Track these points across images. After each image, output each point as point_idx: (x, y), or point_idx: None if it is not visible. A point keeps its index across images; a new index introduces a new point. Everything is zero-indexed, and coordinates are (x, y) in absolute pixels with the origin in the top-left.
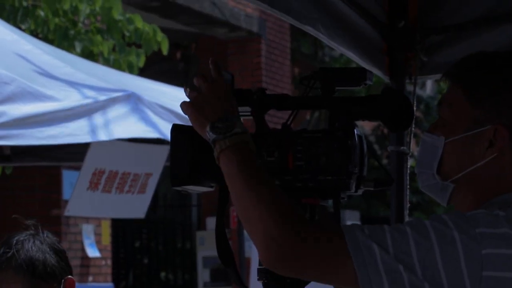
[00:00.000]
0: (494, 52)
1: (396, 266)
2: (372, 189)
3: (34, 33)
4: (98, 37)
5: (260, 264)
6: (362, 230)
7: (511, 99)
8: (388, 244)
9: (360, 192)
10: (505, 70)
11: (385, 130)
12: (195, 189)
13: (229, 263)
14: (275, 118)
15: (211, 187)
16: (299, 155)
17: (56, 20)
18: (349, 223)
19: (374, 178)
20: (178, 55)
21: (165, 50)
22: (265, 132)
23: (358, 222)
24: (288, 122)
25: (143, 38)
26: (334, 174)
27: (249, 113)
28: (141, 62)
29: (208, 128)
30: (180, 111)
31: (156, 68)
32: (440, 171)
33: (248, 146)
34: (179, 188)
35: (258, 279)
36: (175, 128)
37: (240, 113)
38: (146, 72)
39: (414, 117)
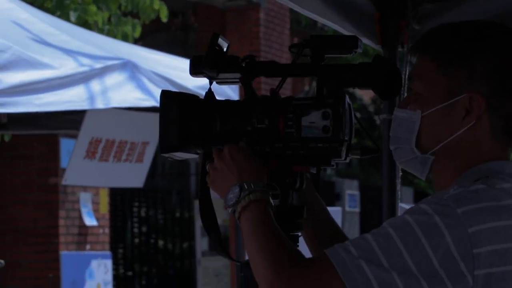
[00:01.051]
0: (460, 22)
1: (389, 277)
2: (358, 157)
3: (30, 2)
4: (93, 7)
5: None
6: (347, 250)
7: (483, 67)
8: (376, 253)
9: (348, 159)
10: (474, 37)
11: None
12: (182, 155)
13: (211, 230)
14: (267, 86)
15: (197, 153)
16: (289, 123)
17: None
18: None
19: (361, 146)
20: (176, 24)
21: (164, 17)
22: (255, 99)
23: (357, 191)
24: (277, 89)
25: (140, 7)
26: (325, 142)
27: (237, 80)
28: (137, 33)
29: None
30: (176, 79)
31: (153, 38)
32: (419, 144)
33: (263, 204)
34: (166, 155)
35: (240, 272)
36: (164, 94)
37: (229, 80)
38: (144, 41)
39: (407, 85)
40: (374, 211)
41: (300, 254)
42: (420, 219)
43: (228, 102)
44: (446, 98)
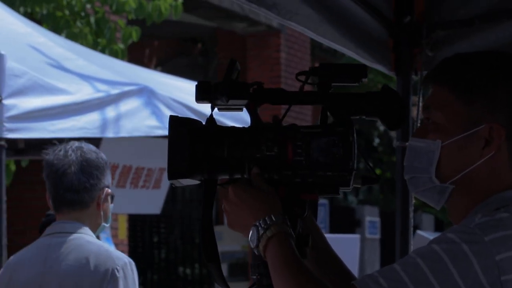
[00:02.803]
0: (474, 52)
1: None
2: (359, 185)
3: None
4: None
5: (252, 261)
6: (377, 281)
7: (502, 96)
8: (406, 283)
9: (350, 188)
10: (489, 67)
11: None
12: (187, 182)
13: (212, 258)
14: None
15: (201, 180)
16: (299, 150)
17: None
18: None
19: (362, 175)
20: (198, 50)
21: (136, 38)
22: (263, 126)
23: (378, 218)
24: (281, 117)
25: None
26: (335, 170)
27: (242, 106)
28: (136, 37)
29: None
30: (193, 105)
31: (174, 63)
32: (438, 174)
33: (282, 237)
34: (173, 181)
35: (251, 275)
36: (173, 120)
37: (234, 106)
38: (164, 67)
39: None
40: (394, 237)
41: (328, 286)
42: (448, 247)
43: (235, 129)
44: (466, 128)
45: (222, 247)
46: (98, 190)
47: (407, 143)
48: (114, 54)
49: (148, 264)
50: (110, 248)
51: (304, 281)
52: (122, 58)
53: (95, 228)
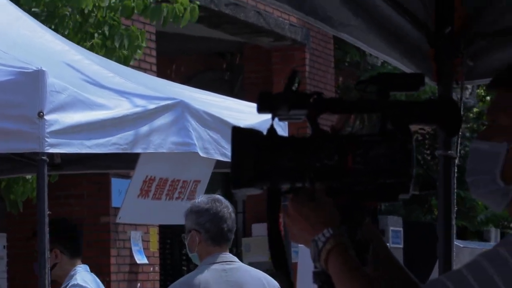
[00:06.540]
0: None
1: None
2: (418, 192)
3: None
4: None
5: (315, 267)
6: (445, 285)
7: None
8: (473, 285)
9: (409, 195)
10: None
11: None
12: (250, 191)
13: (280, 266)
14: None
15: (262, 189)
16: (358, 159)
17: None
18: (392, 228)
19: (420, 181)
20: (224, 64)
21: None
22: (324, 135)
23: (401, 228)
24: (339, 126)
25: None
26: (395, 177)
27: (301, 116)
28: (142, 41)
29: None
30: (227, 118)
31: (201, 78)
32: (503, 176)
33: (341, 248)
34: (237, 191)
35: (314, 282)
36: (237, 131)
37: (294, 116)
38: (191, 81)
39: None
40: (417, 247)
41: None
42: (490, 256)
43: (294, 138)
44: None
45: (249, 258)
46: None
47: (449, 152)
48: (122, 59)
49: (177, 277)
50: None
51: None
52: (127, 64)
53: None
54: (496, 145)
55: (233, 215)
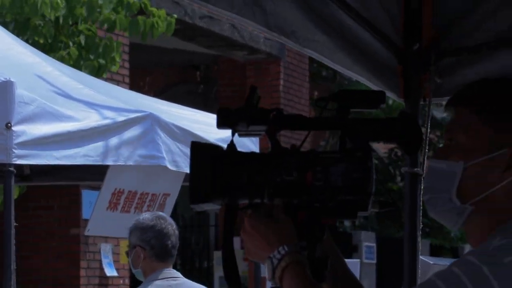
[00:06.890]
0: (500, 78)
1: None
2: (377, 210)
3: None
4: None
5: (272, 285)
6: None
7: None
8: None
9: (369, 212)
10: None
11: (399, 153)
12: (207, 206)
13: (234, 283)
14: (285, 138)
15: (221, 205)
16: (318, 175)
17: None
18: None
19: (379, 200)
20: (198, 77)
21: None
22: (283, 151)
23: (374, 243)
24: (299, 144)
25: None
26: (354, 194)
27: (261, 132)
28: (118, 51)
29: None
30: (196, 131)
31: (174, 90)
32: (459, 195)
33: (296, 265)
34: (195, 206)
35: None
36: (195, 146)
37: (253, 132)
38: (165, 94)
39: (429, 139)
40: (390, 262)
41: None
42: (468, 270)
43: (254, 154)
44: (489, 150)
45: (221, 272)
46: None
47: (415, 169)
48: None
49: None
50: None
51: None
52: (101, 74)
53: None
54: (453, 164)
55: (177, 232)
